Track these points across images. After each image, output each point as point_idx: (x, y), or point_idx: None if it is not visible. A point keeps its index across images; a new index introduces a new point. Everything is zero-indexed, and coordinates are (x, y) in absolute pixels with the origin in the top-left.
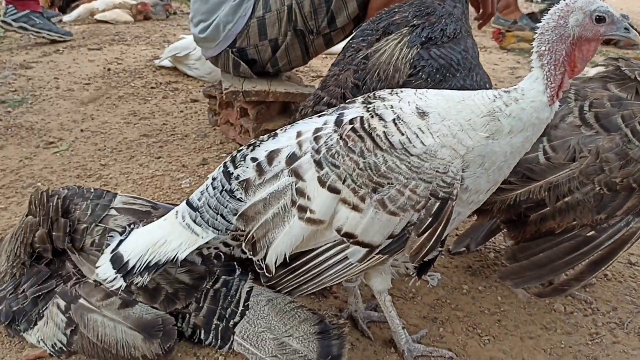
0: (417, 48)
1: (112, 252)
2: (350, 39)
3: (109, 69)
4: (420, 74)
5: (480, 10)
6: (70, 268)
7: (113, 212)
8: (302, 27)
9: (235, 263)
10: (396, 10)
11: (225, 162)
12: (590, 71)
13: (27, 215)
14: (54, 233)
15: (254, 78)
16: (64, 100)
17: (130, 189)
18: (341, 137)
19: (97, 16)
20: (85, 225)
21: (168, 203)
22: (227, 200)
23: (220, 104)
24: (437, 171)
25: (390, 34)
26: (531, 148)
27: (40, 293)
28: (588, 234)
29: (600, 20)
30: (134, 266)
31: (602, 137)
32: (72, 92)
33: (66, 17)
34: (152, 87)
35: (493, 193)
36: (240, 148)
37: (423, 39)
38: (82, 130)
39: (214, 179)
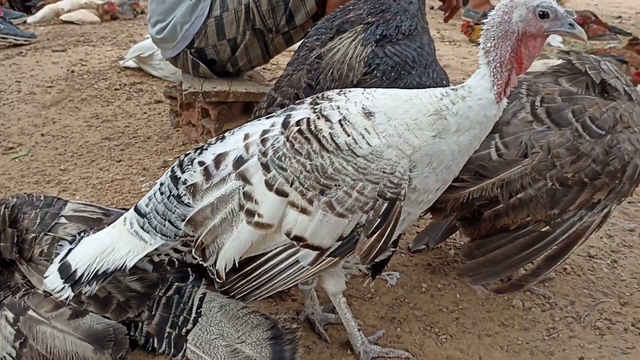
0: (372, 46)
1: (60, 262)
2: (305, 38)
3: (72, 71)
4: (375, 72)
5: (445, 4)
6: (19, 279)
7: (63, 220)
8: (260, 26)
9: (189, 269)
10: (351, 7)
11: (173, 167)
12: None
13: None
14: (1, 244)
15: (214, 78)
16: (25, 104)
17: (90, 194)
18: (288, 139)
19: (63, 17)
20: (34, 234)
21: (125, 208)
22: (174, 206)
23: (181, 105)
24: (383, 172)
25: (344, 32)
26: (483, 145)
27: None
28: (543, 230)
29: (543, 15)
30: (82, 275)
31: (553, 132)
32: (34, 95)
33: (30, 19)
34: (116, 89)
35: (446, 191)
36: (188, 152)
37: (378, 37)
38: (42, 135)
39: (161, 184)
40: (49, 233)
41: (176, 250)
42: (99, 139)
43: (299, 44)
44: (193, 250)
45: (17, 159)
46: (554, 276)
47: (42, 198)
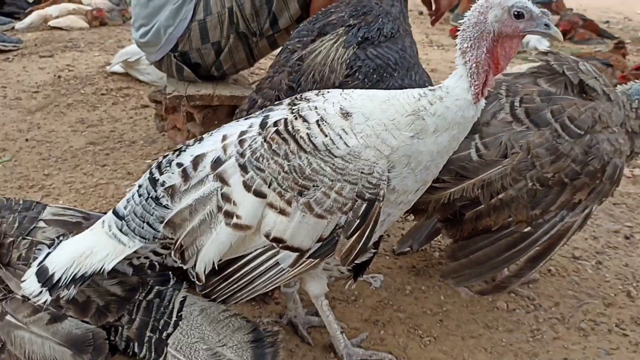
0: (354, 48)
1: (38, 266)
2: (287, 40)
3: (59, 77)
4: (356, 74)
5: (433, 7)
6: None
7: (42, 224)
8: (244, 30)
9: (170, 272)
10: (333, 10)
11: (151, 169)
12: (522, 67)
13: None
14: None
15: (199, 82)
16: (11, 110)
17: (73, 199)
18: (265, 140)
19: (51, 23)
20: (12, 238)
21: (105, 212)
22: (153, 208)
23: (166, 109)
24: (362, 172)
25: (326, 35)
26: (463, 145)
27: None
28: (524, 230)
29: (519, 16)
30: (59, 279)
31: (532, 132)
32: (19, 100)
33: (18, 25)
34: (103, 94)
35: (427, 192)
36: (166, 153)
37: (359, 39)
38: (27, 140)
39: (139, 186)
40: (27, 237)
41: (156, 253)
42: (84, 143)
43: None
44: (172, 252)
45: (1, 164)
46: (538, 277)
47: (20, 202)
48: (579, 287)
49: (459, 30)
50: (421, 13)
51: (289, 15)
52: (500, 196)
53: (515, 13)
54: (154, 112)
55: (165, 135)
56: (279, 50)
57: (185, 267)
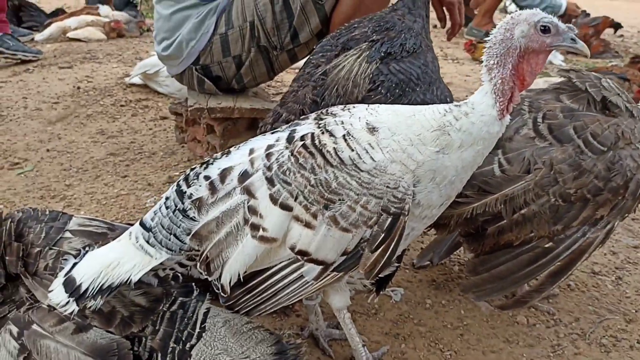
0: (376, 63)
1: (65, 276)
2: (310, 55)
3: (78, 88)
4: (379, 89)
5: (448, 23)
6: (24, 293)
7: (68, 234)
8: (265, 43)
9: (193, 284)
10: (356, 25)
11: (179, 181)
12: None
13: None
14: (7, 257)
15: (220, 94)
16: (32, 120)
17: (94, 209)
18: (292, 154)
19: (70, 34)
20: (39, 248)
21: (130, 223)
22: (180, 220)
23: (186, 121)
24: (387, 187)
25: (349, 50)
26: (486, 161)
27: None
28: (546, 246)
29: (545, 30)
30: (86, 289)
31: (555, 148)
32: (40, 111)
33: (38, 36)
34: (122, 105)
35: (449, 207)
36: (194, 166)
37: (382, 54)
38: (48, 150)
39: (167, 199)
40: (54, 247)
41: (181, 265)
42: (104, 154)
43: (303, 61)
44: (198, 264)
45: (23, 174)
46: (558, 292)
47: (47, 212)
48: (599, 302)
49: (473, 43)
50: (435, 26)
51: (309, 30)
52: (522, 211)
53: (542, 28)
54: (174, 124)
55: (185, 146)
56: (298, 64)
57: (210, 279)
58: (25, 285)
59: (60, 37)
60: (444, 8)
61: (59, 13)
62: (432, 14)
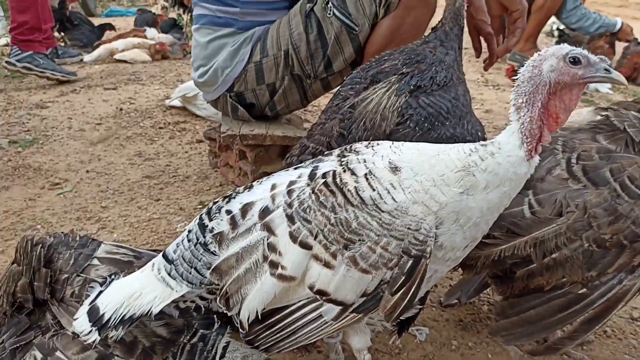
0: (406, 96)
1: (89, 304)
2: (340, 87)
3: (121, 109)
4: (408, 122)
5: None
6: (50, 319)
7: (95, 261)
8: (299, 72)
9: (214, 316)
10: (386, 58)
11: (201, 214)
12: (582, 111)
13: (12, 263)
14: (35, 283)
15: (253, 121)
16: (74, 141)
17: (127, 232)
18: (313, 192)
19: (117, 56)
20: (66, 275)
21: (157, 250)
22: (201, 254)
23: (219, 147)
24: (409, 228)
25: (378, 82)
26: (516, 201)
27: (18, 345)
28: (580, 292)
29: (575, 62)
30: (109, 319)
31: (590, 191)
32: (83, 132)
33: (87, 57)
34: (161, 127)
35: (476, 248)
36: (216, 200)
37: (412, 87)
38: (87, 171)
39: (189, 232)
40: (81, 274)
41: (202, 298)
42: (140, 177)
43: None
44: (217, 299)
45: (62, 195)
46: (593, 339)
47: (77, 238)
48: (637, 350)
49: (515, 69)
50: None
51: (343, 59)
52: (553, 256)
53: (572, 60)
54: (208, 148)
55: (218, 171)
56: (332, 90)
57: (229, 314)
58: (52, 312)
59: (108, 58)
60: (481, 37)
61: (106, 27)
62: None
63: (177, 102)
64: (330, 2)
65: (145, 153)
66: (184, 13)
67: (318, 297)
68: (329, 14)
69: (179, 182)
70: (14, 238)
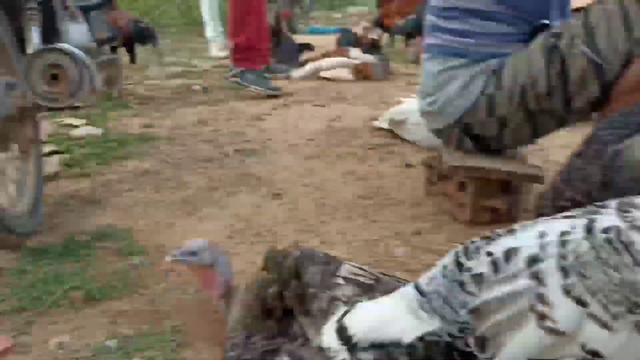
0: None
1: (337, 322)
2: (596, 129)
3: (330, 127)
4: None
5: None
6: (297, 329)
7: (340, 280)
8: (533, 108)
9: (454, 353)
10: None
11: (457, 252)
12: None
13: (262, 270)
14: (285, 293)
15: (477, 153)
16: (289, 154)
17: (346, 250)
18: (593, 247)
19: (322, 74)
20: (314, 289)
21: (383, 273)
22: (457, 292)
23: (438, 176)
24: None
25: None
26: None
27: (270, 348)
28: None
29: None
30: (358, 341)
31: None
32: (296, 146)
33: (295, 73)
34: (369, 148)
35: None
36: (474, 239)
37: None
38: (303, 185)
39: (444, 267)
40: (327, 291)
41: (449, 335)
42: (354, 196)
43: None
44: (470, 339)
45: (282, 206)
46: None
47: (320, 255)
48: None
49: None
50: None
51: (585, 98)
52: None
53: None
54: (420, 174)
55: (432, 199)
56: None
57: (480, 357)
58: (298, 323)
59: (313, 75)
60: None
61: (306, 47)
62: None
63: (384, 124)
64: (578, 37)
65: (356, 172)
66: (382, 35)
67: (590, 357)
68: (576, 49)
69: (392, 206)
70: (244, 242)
